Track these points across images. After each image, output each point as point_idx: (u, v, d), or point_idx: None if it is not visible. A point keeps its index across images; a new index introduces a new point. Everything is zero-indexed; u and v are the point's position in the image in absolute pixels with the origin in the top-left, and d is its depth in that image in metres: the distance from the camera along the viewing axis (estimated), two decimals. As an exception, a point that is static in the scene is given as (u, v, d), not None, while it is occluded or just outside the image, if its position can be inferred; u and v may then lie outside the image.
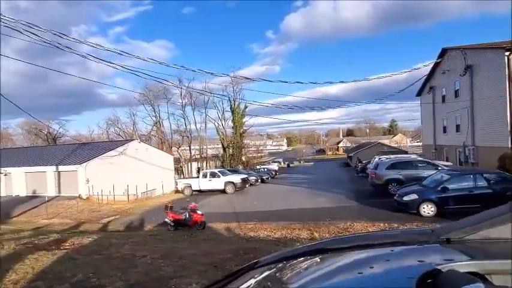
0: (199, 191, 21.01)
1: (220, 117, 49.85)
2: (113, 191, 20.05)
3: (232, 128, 51.49)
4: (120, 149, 24.37)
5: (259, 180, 25.94)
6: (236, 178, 20.37)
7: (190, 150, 49.89)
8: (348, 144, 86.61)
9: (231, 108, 50.81)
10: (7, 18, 7.31)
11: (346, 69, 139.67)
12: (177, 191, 26.40)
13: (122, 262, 5.22)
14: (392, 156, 18.52)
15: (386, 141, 64.28)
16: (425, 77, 22.69)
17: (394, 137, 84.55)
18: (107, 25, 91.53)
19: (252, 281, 0.94)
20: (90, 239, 7.75)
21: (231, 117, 50.77)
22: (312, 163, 66.82)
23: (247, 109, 50.73)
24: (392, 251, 1.01)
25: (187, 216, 11.16)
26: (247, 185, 21.22)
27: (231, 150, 50.27)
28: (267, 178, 29.02)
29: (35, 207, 17.39)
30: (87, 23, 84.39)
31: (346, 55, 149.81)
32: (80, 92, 72.19)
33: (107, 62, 10.37)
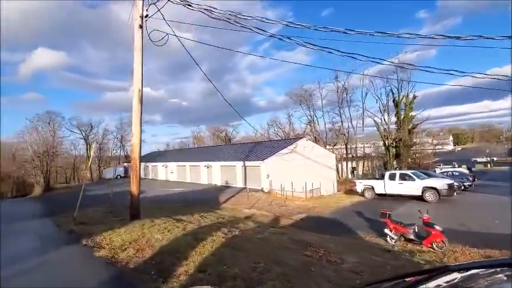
0: (383, 195, 17.81)
1: (382, 111, 43.54)
2: (292, 187, 20.41)
3: (396, 123, 44.10)
4: (291, 146, 25.04)
5: (462, 188, 19.52)
6: (439, 183, 15.67)
7: (346, 149, 46.83)
8: None
9: (393, 100, 43.71)
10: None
11: None
12: (347, 192, 24.30)
13: None
14: None
15: None
16: None
17: None
18: (258, 42, 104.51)
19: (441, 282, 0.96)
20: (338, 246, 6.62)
21: (395, 111, 43.64)
22: (508, 167, 46.42)
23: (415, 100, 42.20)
24: None
25: (418, 230, 8.49)
26: (454, 193, 15.95)
27: (393, 150, 43.18)
28: (470, 185, 21.68)
29: (232, 196, 20.07)
30: (247, 44, 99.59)
31: None
32: (239, 102, 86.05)
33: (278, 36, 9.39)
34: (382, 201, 16.88)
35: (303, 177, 23.47)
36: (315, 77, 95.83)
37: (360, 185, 18.57)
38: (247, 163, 24.05)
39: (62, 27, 77.94)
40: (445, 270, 1.09)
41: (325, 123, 50.20)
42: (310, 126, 51.63)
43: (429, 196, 15.58)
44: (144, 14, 8.21)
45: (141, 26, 8.23)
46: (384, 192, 17.59)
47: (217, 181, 27.18)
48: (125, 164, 49.19)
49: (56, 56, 78.80)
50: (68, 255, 5.29)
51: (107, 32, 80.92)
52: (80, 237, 6.59)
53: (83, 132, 51.23)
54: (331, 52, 8.78)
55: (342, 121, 47.29)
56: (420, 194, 15.89)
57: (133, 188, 8.12)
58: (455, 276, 1.03)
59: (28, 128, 39.42)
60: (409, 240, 8.69)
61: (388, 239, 9.01)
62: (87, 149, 52.44)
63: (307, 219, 13.72)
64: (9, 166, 43.29)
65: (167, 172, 35.95)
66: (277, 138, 45.09)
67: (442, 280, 1.00)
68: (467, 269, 1.07)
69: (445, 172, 31.35)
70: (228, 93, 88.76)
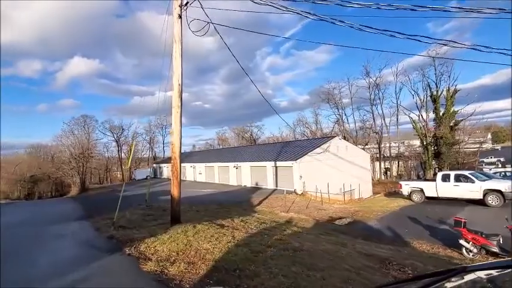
0: (434, 198, 16.00)
1: (419, 107, 40.59)
2: (327, 189, 19.14)
3: (434, 120, 40.92)
4: (324, 146, 23.72)
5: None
6: (504, 185, 13.66)
7: (379, 148, 44.21)
8: None
9: (431, 96, 40.59)
10: None
11: None
12: (387, 194, 22.50)
13: None
14: None
15: None
16: None
17: None
18: (278, 43, 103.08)
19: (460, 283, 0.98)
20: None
21: (433, 107, 40.50)
22: None
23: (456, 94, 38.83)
24: None
25: (504, 242, 7.06)
26: (523, 197, 13.82)
27: (433, 148, 40.02)
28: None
29: (265, 198, 19.20)
30: (266, 45, 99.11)
31: None
32: (261, 103, 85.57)
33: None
34: (434, 205, 15.13)
35: (336, 179, 22.12)
36: (338, 76, 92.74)
37: (407, 187, 16.85)
38: (279, 163, 23.09)
39: (95, 37, 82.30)
40: (463, 270, 1.07)
41: (355, 122, 47.93)
42: (339, 125, 49.56)
43: (492, 200, 13.63)
44: (184, 2, 7.58)
45: (180, 16, 7.61)
46: (435, 195, 15.78)
47: (247, 182, 26.49)
48: (154, 165, 50.32)
49: (90, 64, 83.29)
50: (113, 268, 4.68)
51: (134, 40, 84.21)
52: (122, 244, 6.03)
53: (114, 135, 53.19)
54: (366, 30, 7.50)
55: (373, 119, 44.86)
56: (481, 197, 13.95)
57: (174, 191, 7.49)
58: (474, 276, 1.01)
59: (65, 131, 41.52)
60: (493, 254, 7.27)
61: (464, 251, 7.64)
62: (118, 151, 54.42)
63: (353, 225, 12.47)
64: (49, 168, 45.91)
65: (195, 173, 35.96)
66: (303, 138, 43.69)
67: (460, 281, 0.99)
68: (486, 270, 1.06)
69: (496, 173, 28.32)
70: (249, 95, 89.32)
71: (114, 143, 54.23)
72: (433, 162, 40.03)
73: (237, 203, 17.32)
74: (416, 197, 16.55)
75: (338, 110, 48.59)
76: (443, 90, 39.39)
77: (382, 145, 45.49)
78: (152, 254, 5.16)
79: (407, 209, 14.79)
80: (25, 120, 77.84)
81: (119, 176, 56.04)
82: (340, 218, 13.66)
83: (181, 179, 28.32)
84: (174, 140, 7.59)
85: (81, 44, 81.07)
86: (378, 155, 44.53)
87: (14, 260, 5.66)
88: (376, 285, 3.48)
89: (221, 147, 62.16)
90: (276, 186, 23.23)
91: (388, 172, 47.84)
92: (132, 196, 23.43)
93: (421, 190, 16.39)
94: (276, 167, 23.33)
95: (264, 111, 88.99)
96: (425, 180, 17.96)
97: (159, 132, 59.97)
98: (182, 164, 30.71)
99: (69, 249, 6.06)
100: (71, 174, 39.10)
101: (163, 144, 60.99)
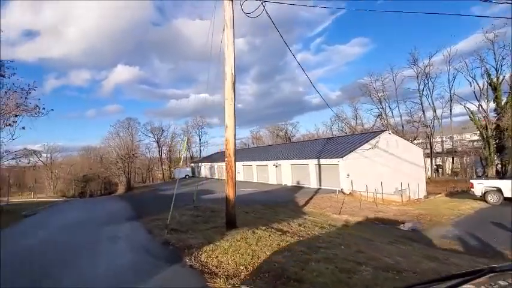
0: (516, 199, 13.54)
1: (478, 97, 36.07)
2: (381, 189, 17.38)
3: (495, 110, 36.13)
4: (373, 141, 21.78)
5: None
6: None
7: (430, 143, 40.19)
8: None
9: (490, 83, 35.88)
10: None
11: None
12: (449, 194, 19.96)
13: None
14: None
15: None
16: None
17: None
18: (309, 39, 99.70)
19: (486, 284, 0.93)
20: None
21: (494, 96, 35.74)
22: None
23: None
24: None
25: None
26: None
27: (495, 142, 35.28)
28: None
29: (310, 198, 18.01)
30: (296, 42, 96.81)
31: None
32: (291, 101, 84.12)
33: None
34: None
35: (386, 177, 20.10)
36: (373, 69, 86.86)
37: (480, 187, 14.50)
38: (322, 161, 21.70)
39: (135, 45, 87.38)
40: (491, 271, 1.05)
41: (400, 115, 44.27)
42: (381, 119, 46.16)
43: None
44: (235, -18, 6.82)
45: (230, -2, 6.87)
46: (517, 196, 13.35)
47: (287, 181, 25.46)
48: (192, 164, 51.54)
49: (131, 71, 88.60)
50: (179, 284, 4.03)
51: (170, 46, 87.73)
52: (180, 251, 5.44)
53: (155, 136, 55.51)
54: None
55: (423, 111, 40.88)
56: None
57: (229, 192, 6.79)
58: (500, 277, 0.99)
59: (112, 133, 44.20)
60: None
61: None
62: (159, 152, 56.75)
63: (424, 231, 10.82)
64: (98, 168, 49.36)
65: (233, 172, 35.83)
66: (342, 135, 41.28)
67: (487, 282, 0.96)
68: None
69: None
70: (280, 94, 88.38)
71: (154, 144, 56.64)
72: (495, 157, 35.44)
73: (281, 203, 16.40)
74: (492, 198, 14.18)
75: (380, 103, 45.27)
76: (504, 76, 34.61)
77: (432, 140, 41.35)
78: (217, 267, 4.44)
79: (486, 212, 12.64)
80: (77, 125, 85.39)
81: (159, 175, 58.52)
82: (403, 222, 12.03)
83: (219, 178, 28.27)
84: (228, 135, 6.88)
85: (123, 53, 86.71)
86: (428, 151, 40.54)
87: (74, 263, 5.37)
88: (406, 285, 3.32)
89: (255, 145, 61.72)
90: (320, 185, 21.89)
91: (440, 169, 43.41)
92: (172, 195, 23.83)
93: (499, 190, 13.98)
94: (320, 165, 21.96)
95: (295, 110, 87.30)
96: (503, 178, 15.33)
97: (196, 133, 61.43)
98: (218, 163, 30.71)
99: (126, 255, 5.64)
100: (117, 174, 41.45)
101: (200, 144, 62.36)
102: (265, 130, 67.06)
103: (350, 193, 19.06)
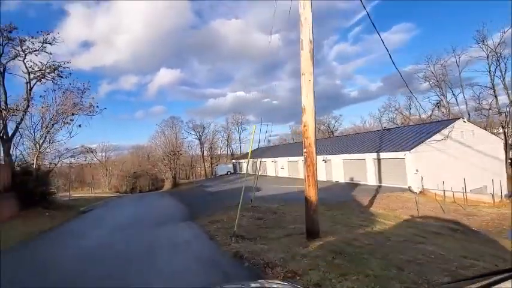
0: None
1: None
2: (464, 187, 14.52)
3: None
4: (445, 131, 18.58)
5: None
6: None
7: (505, 134, 34.18)
8: None
9: None
10: None
11: None
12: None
13: None
14: None
15: None
16: None
17: None
18: (347, 29, 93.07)
19: None
20: None
21: None
22: None
23: None
24: None
25: None
26: None
27: None
28: None
29: (373, 197, 15.82)
30: (333, 33, 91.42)
31: None
32: (328, 95, 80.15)
33: None
34: None
35: (463, 173, 16.88)
36: (420, 56, 77.73)
37: None
38: (383, 155, 19.14)
39: (176, 49, 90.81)
40: None
41: (466, 101, 38.49)
42: (439, 108, 40.72)
43: None
44: None
45: None
46: None
47: (339, 177, 23.29)
48: (233, 161, 51.40)
49: (173, 73, 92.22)
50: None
51: (207, 47, 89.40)
52: (259, 269, 4.13)
53: (197, 133, 56.56)
54: None
55: (495, 95, 34.91)
56: None
57: (310, 192, 5.33)
58: None
59: (158, 132, 45.83)
60: None
61: None
62: (201, 149, 57.77)
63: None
64: (146, 165, 51.80)
65: (276, 168, 34.45)
66: (391, 126, 37.16)
67: None
68: None
69: None
70: (316, 88, 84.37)
71: (196, 141, 57.74)
72: None
73: (341, 202, 14.55)
74: None
75: (440, 89, 39.91)
76: None
77: (508, 129, 35.19)
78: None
79: None
80: (127, 126, 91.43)
81: (201, 172, 59.68)
82: (513, 229, 9.41)
83: (263, 174, 26.70)
84: (307, 119, 5.41)
85: (165, 57, 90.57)
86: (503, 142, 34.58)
87: (132, 277, 4.40)
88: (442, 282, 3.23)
89: (294, 141, 59.55)
90: (380, 182, 19.40)
91: (517, 164, 36.91)
92: (221, 192, 23.24)
93: None
94: (379, 159, 19.44)
95: (334, 104, 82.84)
96: None
97: (235, 129, 61.30)
98: (263, 159, 29.24)
99: (193, 270, 4.49)
100: (164, 170, 42.77)
101: (240, 140, 62.12)
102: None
103: (421, 192, 16.40)
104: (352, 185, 20.59)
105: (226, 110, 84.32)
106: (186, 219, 9.44)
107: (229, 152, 62.13)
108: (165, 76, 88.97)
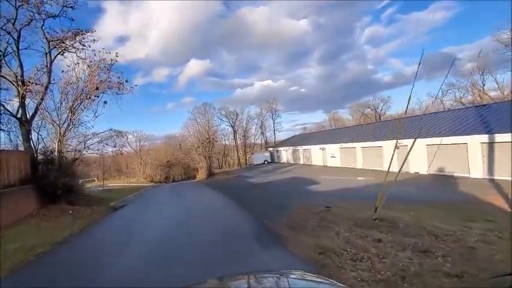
0: None
1: None
2: None
3: None
4: None
5: None
6: None
7: None
8: None
9: None
10: None
11: None
12: None
13: None
14: None
15: None
16: None
17: None
18: (379, 10, 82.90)
19: None
20: None
21: None
22: None
23: None
24: None
25: None
26: None
27: None
28: None
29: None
30: (365, 14, 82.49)
31: None
32: (359, 81, 73.29)
33: None
34: None
35: None
36: (462, 35, 66.22)
37: None
38: (500, 137, 13.93)
39: (205, 40, 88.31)
40: None
41: None
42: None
43: None
44: None
45: None
46: None
47: (419, 167, 18.39)
48: (271, 149, 47.58)
49: (202, 64, 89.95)
50: None
51: (235, 36, 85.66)
52: None
53: (230, 120, 53.36)
54: None
55: None
56: None
57: None
58: None
59: (190, 119, 43.26)
60: None
61: None
62: (234, 137, 54.65)
63: None
64: (179, 154, 49.94)
65: (325, 156, 29.86)
66: (454, 108, 30.37)
67: None
68: None
69: None
70: (345, 74, 78.62)
71: (229, 129, 54.68)
72: None
73: (452, 204, 10.03)
74: None
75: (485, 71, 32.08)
76: None
77: None
78: None
79: None
80: (159, 117, 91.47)
81: (233, 161, 56.84)
82: None
83: (304, 163, 22.21)
84: None
85: (194, 49, 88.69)
86: None
87: None
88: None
89: (332, 127, 53.92)
90: (490, 174, 14.31)
91: None
92: (269, 185, 19.34)
93: None
94: (492, 142, 14.28)
95: (365, 91, 76.09)
96: None
97: (270, 116, 57.17)
98: (305, 147, 24.62)
99: None
100: (198, 159, 40.25)
101: (274, 128, 57.94)
102: (343, 111, 58.26)
103: None
104: (444, 178, 15.79)
105: (253, 100, 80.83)
106: (259, 237, 5.62)
107: (263, 141, 58.41)
108: (194, 67, 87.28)
